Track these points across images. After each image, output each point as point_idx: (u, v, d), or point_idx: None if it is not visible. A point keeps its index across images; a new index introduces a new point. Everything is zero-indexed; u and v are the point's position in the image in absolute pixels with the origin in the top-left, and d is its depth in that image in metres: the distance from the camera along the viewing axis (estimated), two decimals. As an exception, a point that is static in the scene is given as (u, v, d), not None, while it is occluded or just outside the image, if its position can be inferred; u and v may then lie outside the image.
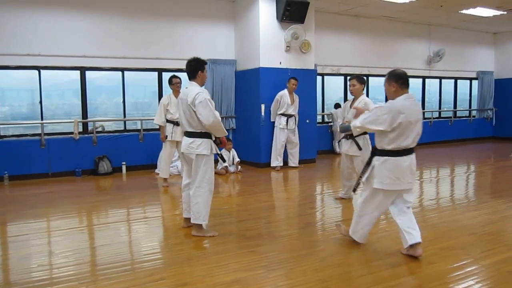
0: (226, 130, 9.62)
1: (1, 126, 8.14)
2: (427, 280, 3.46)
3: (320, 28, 10.47)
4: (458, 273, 3.62)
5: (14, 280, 3.57)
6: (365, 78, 5.90)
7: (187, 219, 4.81)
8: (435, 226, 4.98)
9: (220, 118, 4.48)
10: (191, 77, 4.63)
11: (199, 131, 4.48)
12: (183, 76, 7.69)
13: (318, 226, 5.23)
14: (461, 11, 11.11)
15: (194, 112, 4.38)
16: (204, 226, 4.65)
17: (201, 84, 4.64)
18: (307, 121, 9.66)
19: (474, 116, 14.88)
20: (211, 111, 4.37)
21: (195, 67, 4.61)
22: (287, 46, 9.20)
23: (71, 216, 5.72)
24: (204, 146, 4.48)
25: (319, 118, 11.11)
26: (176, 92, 7.36)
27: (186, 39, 9.43)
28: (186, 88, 4.61)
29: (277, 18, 9.05)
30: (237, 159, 8.75)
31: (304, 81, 9.47)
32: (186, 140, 4.55)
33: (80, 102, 8.72)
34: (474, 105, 14.89)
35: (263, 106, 9.08)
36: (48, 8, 8.16)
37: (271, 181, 7.92)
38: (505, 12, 11.14)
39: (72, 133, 8.41)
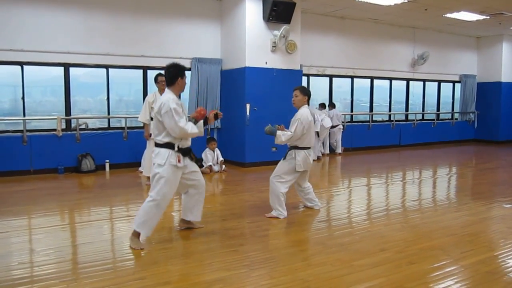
0: (211, 129, 9.71)
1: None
2: (407, 280, 3.51)
3: (306, 29, 10.52)
4: (438, 273, 3.68)
5: (-7, 278, 3.53)
6: (310, 90, 5.70)
7: (183, 220, 4.81)
8: (416, 227, 5.04)
9: (188, 127, 4.17)
10: (169, 84, 4.38)
11: (159, 141, 4.26)
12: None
13: (300, 226, 5.26)
14: (445, 15, 11.27)
15: (161, 121, 4.21)
16: (142, 236, 4.25)
17: (179, 92, 4.45)
18: (292, 121, 9.67)
19: (456, 119, 15.10)
20: (176, 123, 4.11)
21: (175, 74, 4.37)
22: (273, 46, 9.22)
23: (53, 213, 5.66)
24: (160, 156, 4.21)
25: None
26: (162, 90, 7.32)
27: (172, 37, 9.39)
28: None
29: (263, 18, 9.07)
30: (220, 158, 8.74)
31: (289, 82, 9.49)
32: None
33: (63, 99, 8.63)
34: (457, 108, 15.11)
35: (248, 106, 9.09)
36: (32, 3, 8.05)
37: (255, 180, 7.93)
38: (488, 17, 11.33)
39: (55, 130, 8.31)
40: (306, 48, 10.64)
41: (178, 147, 4.25)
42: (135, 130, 9.00)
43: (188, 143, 4.40)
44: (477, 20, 11.75)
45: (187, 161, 4.39)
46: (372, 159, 11.04)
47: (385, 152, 12.34)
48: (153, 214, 4.23)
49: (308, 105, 5.60)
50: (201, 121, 4.51)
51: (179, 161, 4.24)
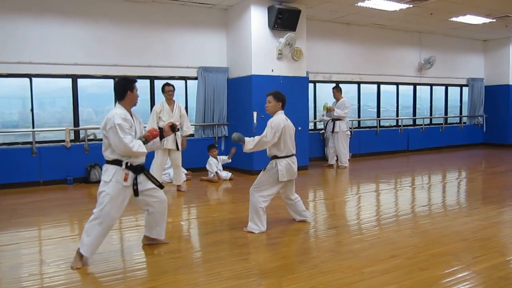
0: (218, 137, 9.72)
1: (-8, 134, 8.11)
2: (419, 287, 3.48)
3: (312, 35, 10.54)
4: (450, 279, 3.64)
5: (4, 290, 3.54)
6: (284, 95, 5.28)
7: (146, 237, 4.62)
8: (427, 232, 5.00)
9: (133, 145, 3.96)
10: (120, 98, 4.19)
11: (106, 158, 4.10)
12: (177, 83, 7.76)
13: (310, 233, 5.23)
14: (451, 19, 11.24)
15: (106, 137, 4.05)
16: (85, 255, 4.05)
17: (131, 106, 4.24)
18: (299, 128, 9.67)
19: (464, 123, 15.00)
20: (120, 139, 3.92)
21: (124, 88, 4.16)
22: (279, 54, 9.24)
23: (63, 224, 5.69)
24: (107, 173, 4.04)
25: (310, 125, 11.14)
26: (169, 100, 7.38)
27: (178, 46, 9.45)
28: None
29: (269, 26, 9.10)
30: (221, 168, 8.78)
31: (296, 89, 9.53)
32: None
33: (71, 110, 8.69)
34: (465, 112, 15.02)
35: (255, 114, 9.10)
36: (39, 16, 8.14)
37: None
38: (494, 20, 11.29)
39: (63, 141, 8.37)
40: (312, 55, 10.66)
41: (126, 164, 4.06)
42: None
43: (140, 160, 4.20)
44: (483, 23, 11.71)
45: (141, 178, 4.21)
46: (380, 164, 10.99)
47: (393, 157, 12.28)
48: (97, 234, 4.01)
49: (283, 110, 5.25)
50: (156, 139, 4.36)
51: (125, 179, 4.04)
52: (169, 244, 4.65)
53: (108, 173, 4.05)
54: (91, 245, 4.02)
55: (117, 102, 4.24)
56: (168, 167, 8.29)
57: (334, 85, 10.77)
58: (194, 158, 9.08)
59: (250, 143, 5.07)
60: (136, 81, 4.31)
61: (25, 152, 8.11)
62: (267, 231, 5.06)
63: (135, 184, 4.14)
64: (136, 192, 4.15)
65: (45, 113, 8.93)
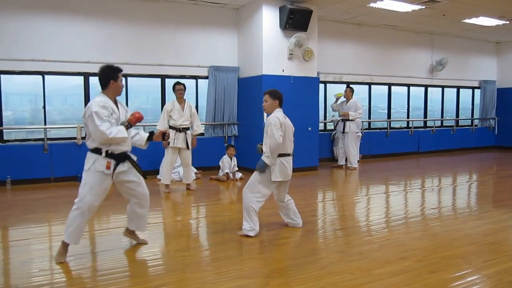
0: (228, 137, 9.74)
1: (5, 130, 8.19)
2: (428, 289, 3.46)
3: (323, 36, 10.51)
4: (459, 283, 3.61)
5: (15, 285, 3.58)
6: (281, 93, 5.10)
7: (127, 229, 4.61)
8: (437, 235, 4.97)
9: (110, 131, 3.91)
10: (103, 87, 4.17)
11: (88, 147, 4.11)
12: (187, 82, 7.78)
13: (319, 234, 5.23)
14: (464, 21, 11.15)
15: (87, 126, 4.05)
16: (71, 245, 4.09)
17: (114, 95, 4.20)
18: (309, 129, 9.67)
19: (476, 125, 14.87)
20: (97, 127, 3.89)
21: (107, 76, 4.13)
22: (290, 54, 9.24)
23: (73, 221, 5.72)
24: (87, 161, 4.07)
25: (321, 126, 11.12)
26: (180, 98, 7.40)
27: (189, 45, 9.48)
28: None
29: (280, 26, 9.10)
30: (236, 168, 8.76)
31: (306, 89, 9.52)
32: None
33: (83, 108, 8.73)
34: (477, 114, 14.89)
35: (265, 114, 9.08)
36: (52, 14, 8.22)
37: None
38: (508, 22, 11.18)
39: (75, 138, 8.43)
40: (323, 56, 10.64)
41: (106, 152, 4.03)
42: (153, 138, 9.07)
43: (122, 148, 4.13)
44: (496, 25, 11.60)
45: (124, 167, 4.17)
46: (390, 166, 10.94)
47: (404, 159, 12.21)
48: (79, 222, 4.02)
49: (280, 107, 5.06)
50: (144, 134, 4.37)
51: (107, 167, 4.02)
52: (180, 242, 4.66)
53: (88, 161, 4.07)
54: (76, 234, 4.06)
55: (101, 90, 4.20)
56: (178, 166, 8.31)
57: (345, 86, 10.74)
58: (204, 157, 9.10)
59: (267, 159, 4.79)
60: (121, 70, 4.25)
61: (37, 149, 8.19)
62: (276, 231, 5.06)
63: (114, 170, 4.10)
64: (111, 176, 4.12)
65: (57, 111, 9.01)
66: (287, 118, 5.06)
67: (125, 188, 4.32)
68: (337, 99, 10.54)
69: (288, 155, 5.01)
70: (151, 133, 4.40)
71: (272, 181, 4.85)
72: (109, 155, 4.06)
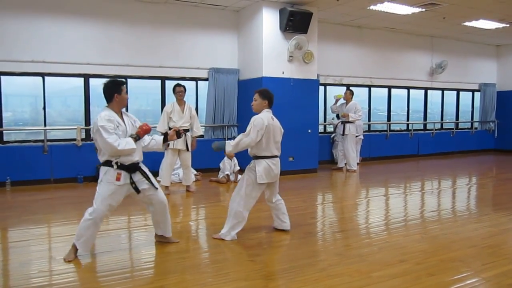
0: (228, 138, 9.75)
1: (4, 131, 8.20)
2: (427, 292, 3.46)
3: (323, 38, 10.53)
4: (458, 286, 3.62)
5: (14, 286, 3.58)
6: (271, 93, 5.10)
7: (156, 234, 4.74)
8: (436, 238, 4.97)
9: (118, 143, 4.01)
10: (108, 101, 4.25)
11: (100, 160, 4.22)
12: (187, 84, 7.79)
13: (318, 236, 5.23)
14: (464, 23, 11.16)
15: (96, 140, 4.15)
16: (81, 252, 4.22)
17: (119, 108, 4.28)
18: (309, 131, 9.68)
19: (476, 128, 14.88)
20: (105, 140, 4.00)
21: (111, 90, 4.22)
22: (290, 56, 9.25)
23: (73, 222, 5.71)
24: (100, 174, 4.21)
25: (320, 128, 11.12)
26: (180, 100, 7.41)
27: (189, 47, 9.49)
28: None
29: (280, 28, 9.11)
30: (237, 168, 8.74)
31: (306, 91, 9.53)
32: None
33: (83, 109, 8.76)
34: (476, 117, 14.91)
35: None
36: (53, 16, 8.23)
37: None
38: (508, 25, 11.19)
39: (74, 139, 8.43)
40: (323, 58, 10.65)
41: (117, 164, 4.12)
42: (153, 139, 9.07)
43: (132, 159, 4.21)
44: (496, 28, 11.62)
45: (137, 178, 4.26)
46: (390, 168, 10.94)
47: (403, 161, 12.22)
48: (92, 232, 4.19)
49: (270, 108, 5.06)
50: (160, 138, 4.50)
51: (118, 179, 4.13)
52: (178, 243, 4.66)
53: (101, 173, 4.20)
54: (88, 242, 4.21)
55: (106, 104, 4.29)
56: (178, 168, 8.32)
57: (344, 88, 10.75)
58: (203, 159, 9.10)
59: (230, 146, 4.94)
60: (124, 83, 4.36)
61: (37, 150, 8.19)
62: (275, 233, 5.06)
63: (132, 182, 4.22)
64: (137, 190, 4.27)
65: (57, 112, 9.01)
66: (275, 119, 5.03)
67: (140, 197, 4.39)
68: (336, 101, 10.54)
69: (275, 156, 4.95)
70: (165, 135, 4.52)
71: (258, 183, 4.78)
72: (119, 166, 4.14)
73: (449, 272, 3.88)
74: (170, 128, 7.30)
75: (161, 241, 4.71)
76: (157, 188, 4.43)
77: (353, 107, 10.21)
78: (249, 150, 4.94)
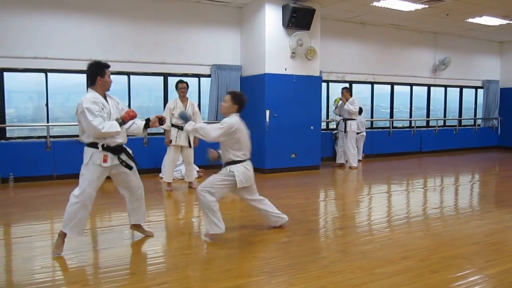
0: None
1: (7, 128, 8.21)
2: (430, 289, 3.46)
3: (326, 35, 10.50)
4: (461, 283, 3.61)
5: (17, 281, 3.59)
6: (245, 99, 4.91)
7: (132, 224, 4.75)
8: (439, 235, 4.96)
9: (102, 126, 4.01)
10: (91, 83, 4.29)
11: (85, 141, 4.23)
12: (190, 81, 7.78)
13: (320, 233, 5.23)
14: (467, 20, 11.12)
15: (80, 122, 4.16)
16: (75, 236, 4.25)
17: (103, 90, 4.29)
18: (311, 127, 9.67)
19: (479, 125, 14.84)
20: (89, 122, 3.98)
21: (94, 72, 4.25)
22: (292, 53, 9.23)
23: (75, 218, 5.73)
24: (85, 156, 4.20)
25: (323, 125, 11.10)
26: (182, 97, 7.41)
27: (192, 44, 9.48)
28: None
29: (283, 24, 9.09)
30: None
31: (309, 88, 9.52)
32: None
33: (85, 105, 8.75)
34: (480, 114, 14.86)
35: (268, 112, 9.10)
36: (55, 12, 8.23)
37: (275, 187, 7.92)
38: (511, 22, 11.14)
39: (77, 136, 8.42)
40: (326, 54, 10.61)
41: (103, 146, 4.14)
42: (155, 136, 9.09)
43: (117, 141, 4.22)
44: (500, 25, 11.56)
45: (123, 157, 4.30)
46: (392, 165, 10.93)
47: (406, 158, 12.20)
48: (82, 215, 4.19)
49: (238, 113, 4.84)
50: (141, 122, 4.44)
51: (105, 160, 4.15)
52: (181, 240, 4.67)
53: (86, 155, 4.20)
54: (81, 226, 4.22)
55: (90, 86, 4.32)
56: (180, 164, 8.32)
57: (347, 84, 10.74)
58: (205, 155, 9.09)
59: (190, 125, 4.70)
60: (108, 66, 4.35)
61: (40, 146, 8.20)
62: (277, 230, 5.06)
63: (122, 161, 4.28)
64: (129, 167, 4.33)
65: (59, 108, 9.02)
66: (242, 122, 4.88)
67: (120, 180, 4.44)
68: (337, 105, 10.55)
69: (248, 159, 4.91)
70: (147, 120, 4.48)
71: (238, 188, 4.68)
72: (105, 148, 4.15)
73: (452, 269, 3.87)
74: (172, 125, 7.33)
75: (137, 231, 4.75)
76: (131, 168, 4.44)
77: (352, 102, 10.20)
78: (224, 155, 4.78)
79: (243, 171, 4.73)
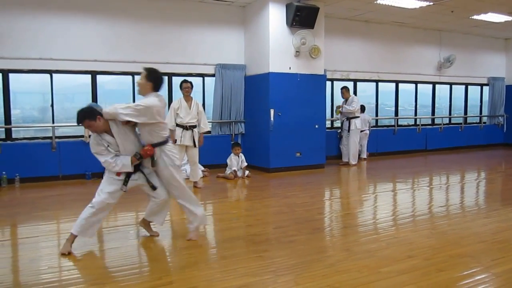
0: (235, 134, 9.74)
1: (13, 128, 8.25)
2: (436, 288, 3.44)
3: (330, 33, 10.47)
4: (468, 281, 3.59)
5: (24, 282, 3.61)
6: (160, 77, 4.51)
7: (144, 220, 4.84)
8: (445, 233, 4.94)
9: (115, 164, 4.24)
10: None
11: None
12: (194, 80, 7.79)
13: (326, 232, 5.22)
14: (472, 17, 11.07)
15: None
16: (77, 237, 4.32)
17: (101, 131, 4.24)
18: (316, 126, 9.65)
19: (484, 123, 14.77)
20: (103, 163, 4.33)
21: (81, 119, 4.20)
22: (296, 52, 9.22)
23: (81, 219, 5.75)
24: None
25: (327, 124, 11.08)
26: (187, 96, 7.41)
27: (196, 43, 9.48)
28: None
29: (287, 23, 9.08)
30: (244, 164, 8.73)
31: (313, 86, 9.51)
32: None
33: (90, 106, 8.78)
34: (485, 112, 14.79)
35: (272, 111, 9.10)
36: (60, 13, 8.25)
37: (280, 186, 7.92)
38: (517, 18, 11.09)
39: (82, 136, 8.47)
40: (330, 53, 10.60)
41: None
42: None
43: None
44: (505, 22, 11.50)
45: (135, 177, 4.39)
46: (397, 164, 10.89)
47: (411, 157, 12.16)
48: (89, 217, 4.31)
49: (156, 92, 4.43)
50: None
51: (117, 174, 4.32)
52: (188, 240, 4.67)
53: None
54: (81, 222, 4.32)
55: None
56: (185, 164, 8.33)
57: (352, 83, 10.73)
58: (211, 155, 9.12)
59: (109, 109, 4.25)
60: (99, 113, 4.19)
61: (45, 147, 8.24)
62: (283, 229, 5.05)
63: (127, 177, 4.36)
64: (125, 183, 4.38)
65: (64, 109, 9.05)
66: (162, 100, 4.52)
67: (143, 189, 4.58)
68: (339, 114, 10.71)
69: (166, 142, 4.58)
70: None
71: (177, 165, 4.54)
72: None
73: (458, 268, 3.86)
74: (177, 124, 7.34)
75: (144, 228, 4.83)
76: (155, 189, 4.48)
77: (351, 102, 10.31)
78: (148, 138, 4.37)
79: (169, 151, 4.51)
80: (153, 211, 4.67)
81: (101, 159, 4.24)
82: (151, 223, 4.83)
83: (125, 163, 4.24)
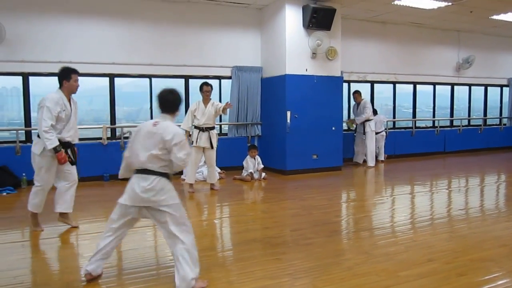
0: (252, 136, 9.73)
1: (32, 131, 8.35)
2: (457, 292, 3.38)
3: (347, 35, 10.41)
4: (490, 286, 3.53)
5: (42, 282, 3.64)
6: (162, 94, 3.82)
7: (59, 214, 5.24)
8: (465, 237, 4.86)
9: (46, 127, 4.62)
10: (59, 85, 4.90)
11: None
12: (211, 82, 7.79)
13: (344, 234, 5.18)
14: (492, 17, 10.90)
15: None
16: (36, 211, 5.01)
17: (69, 93, 4.92)
18: (333, 128, 9.60)
19: (505, 124, 14.52)
20: (41, 119, 4.62)
21: (61, 76, 4.88)
22: (313, 53, 9.18)
23: (99, 220, 5.81)
24: (37, 147, 4.79)
25: (344, 126, 11.01)
26: (206, 99, 7.41)
27: (212, 46, 9.51)
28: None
29: (303, 25, 9.05)
30: (261, 166, 8.72)
31: (330, 88, 9.46)
32: None
33: (108, 108, 8.88)
34: (505, 113, 14.53)
35: (289, 113, 9.07)
36: (79, 17, 8.36)
37: (297, 188, 7.89)
38: (538, 18, 10.89)
39: (100, 138, 8.56)
40: (347, 55, 10.53)
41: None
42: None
43: (67, 138, 4.88)
44: (526, 22, 11.32)
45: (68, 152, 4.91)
46: (416, 166, 10.77)
47: (430, 159, 12.01)
48: (42, 196, 4.94)
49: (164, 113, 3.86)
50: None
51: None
52: (203, 242, 4.67)
53: (38, 146, 4.77)
54: (41, 205, 4.99)
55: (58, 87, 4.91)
56: (202, 166, 8.36)
57: (369, 85, 10.66)
58: (227, 157, 9.13)
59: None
60: (75, 71, 4.96)
61: (64, 149, 8.32)
62: (300, 232, 5.03)
63: (69, 156, 4.92)
64: (72, 162, 5.01)
65: (83, 111, 9.13)
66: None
67: (62, 172, 5.04)
68: (353, 124, 10.84)
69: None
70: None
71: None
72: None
73: (479, 272, 3.79)
74: (194, 126, 7.37)
75: (64, 222, 5.22)
76: (74, 164, 5.08)
77: (363, 107, 10.32)
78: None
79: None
80: (62, 198, 5.17)
81: (45, 116, 4.64)
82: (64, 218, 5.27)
83: (52, 142, 4.74)
